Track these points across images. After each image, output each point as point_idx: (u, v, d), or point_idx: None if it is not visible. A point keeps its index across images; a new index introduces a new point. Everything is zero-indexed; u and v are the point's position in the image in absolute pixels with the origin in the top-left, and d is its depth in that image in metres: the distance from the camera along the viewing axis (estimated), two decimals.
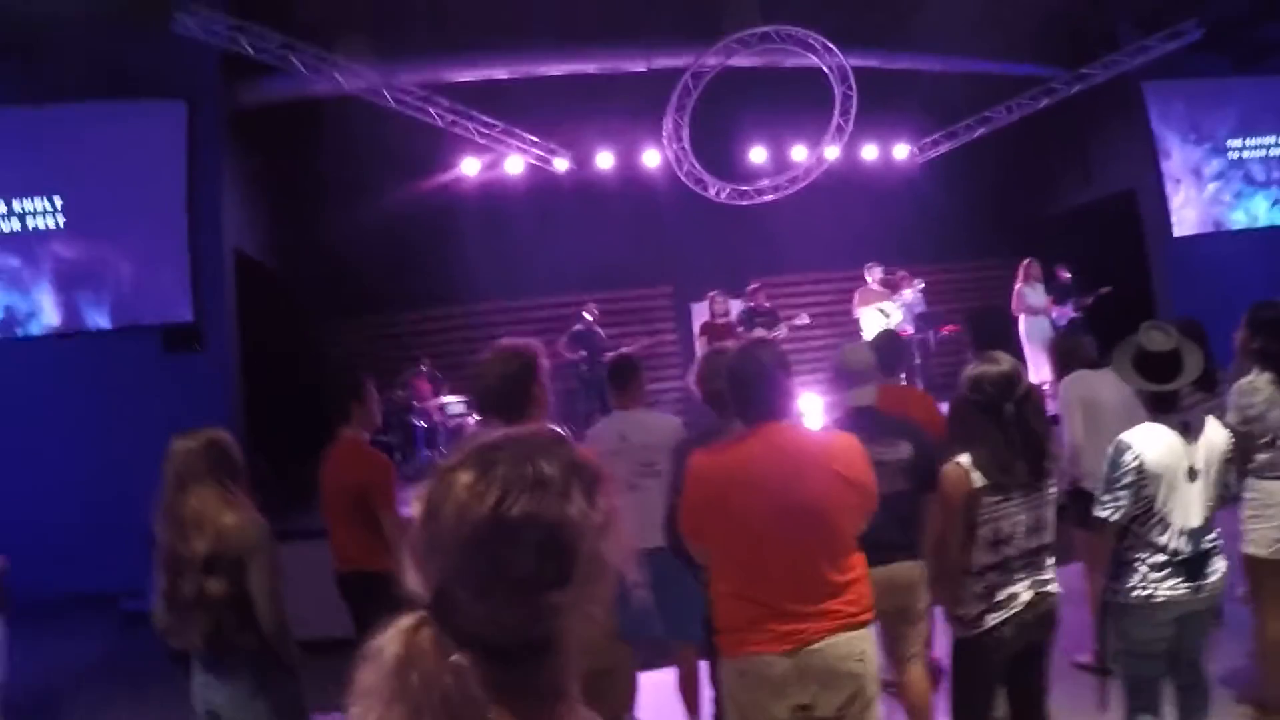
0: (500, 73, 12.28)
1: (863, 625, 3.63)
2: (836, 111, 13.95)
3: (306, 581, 5.59)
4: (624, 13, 12.43)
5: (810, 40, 12.54)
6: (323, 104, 12.04)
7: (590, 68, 12.69)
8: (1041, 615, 4.02)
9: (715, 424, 4.50)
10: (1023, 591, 3.96)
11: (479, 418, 5.42)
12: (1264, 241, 16.34)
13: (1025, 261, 13.65)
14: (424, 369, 12.87)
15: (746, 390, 3.71)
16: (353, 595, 5.50)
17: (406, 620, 1.30)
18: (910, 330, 13.32)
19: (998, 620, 3.93)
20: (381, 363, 12.88)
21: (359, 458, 5.46)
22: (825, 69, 13.28)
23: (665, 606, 5.02)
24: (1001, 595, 3.94)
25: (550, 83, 12.75)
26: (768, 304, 13.23)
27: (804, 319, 13.26)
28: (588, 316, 13.22)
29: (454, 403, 12.43)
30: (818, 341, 14.19)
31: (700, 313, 13.36)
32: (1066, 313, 13.63)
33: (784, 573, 3.55)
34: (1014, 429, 3.87)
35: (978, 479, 3.86)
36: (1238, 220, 16.13)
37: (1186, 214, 15.73)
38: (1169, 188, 15.67)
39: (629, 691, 5.23)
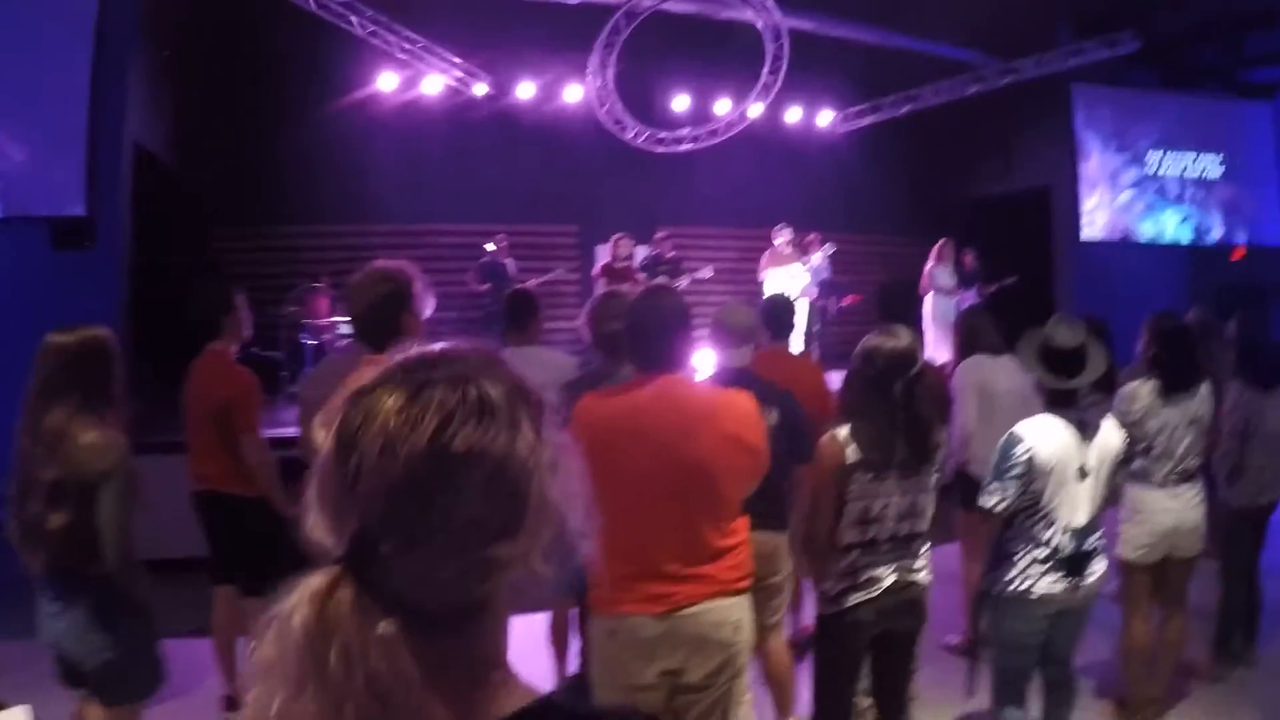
0: None
1: (739, 593, 3.53)
2: (766, 69, 13.98)
3: (170, 497, 5.43)
4: None
5: None
6: (243, 2, 11.64)
7: None
8: (904, 603, 3.98)
9: (604, 368, 4.47)
10: (886, 576, 3.91)
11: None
12: (1168, 256, 16.95)
13: (940, 242, 13.97)
14: (322, 286, 12.55)
15: (645, 337, 3.57)
16: (206, 516, 5.41)
17: (317, 580, 1.09)
18: (814, 296, 13.40)
19: (857, 601, 3.90)
20: (280, 277, 12.78)
21: (222, 373, 5.30)
22: (760, 25, 13.18)
23: None
24: (864, 576, 3.90)
25: (479, 3, 12.57)
26: (672, 253, 13.17)
27: (707, 272, 13.36)
28: (491, 248, 13.13)
29: (346, 323, 12.16)
30: (717, 297, 14.14)
31: (603, 254, 13.19)
32: (969, 298, 13.91)
33: (664, 532, 3.43)
34: (900, 408, 3.83)
35: (853, 453, 3.80)
36: (1145, 231, 16.59)
37: (1097, 218, 16.15)
38: (1083, 190, 16.08)
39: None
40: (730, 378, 4.44)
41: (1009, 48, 15.17)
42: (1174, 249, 17.13)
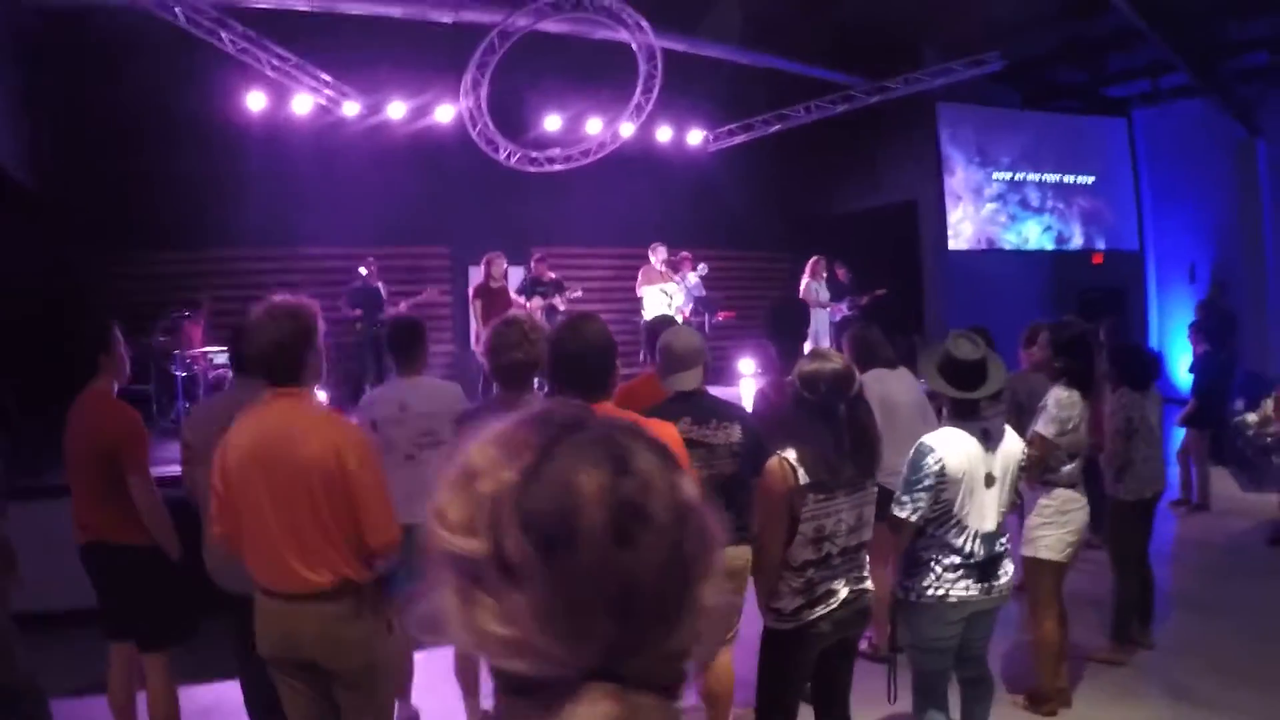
0: (300, 4, 11.80)
1: None
2: (639, 90, 14.21)
3: (50, 546, 5.27)
4: None
5: (624, 15, 12.62)
6: (109, 16, 11.35)
7: (395, 12, 12.41)
8: (857, 612, 4.10)
9: (502, 397, 4.36)
10: (841, 589, 4.01)
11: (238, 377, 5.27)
12: (1031, 263, 17.94)
13: (814, 259, 14.52)
14: (191, 314, 12.11)
15: (574, 366, 3.70)
16: (96, 569, 5.05)
17: (594, 708, 0.97)
18: (688, 313, 13.57)
19: (817, 615, 3.98)
20: (143, 306, 12.32)
21: (106, 414, 4.97)
22: (634, 46, 13.36)
23: None
24: (820, 590, 3.98)
25: (350, 22, 12.43)
26: (552, 274, 13.19)
27: (577, 292, 13.44)
28: (363, 271, 13.08)
29: (219, 353, 11.83)
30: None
31: (476, 275, 13.14)
32: (840, 310, 14.36)
33: None
34: (845, 429, 3.90)
35: (803, 476, 3.86)
36: (1010, 240, 17.32)
37: (963, 229, 16.84)
38: (949, 203, 16.81)
39: (408, 676, 5.17)
40: (684, 400, 4.55)
41: (876, 67, 15.67)
42: (1037, 256, 18.13)
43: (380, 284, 13.14)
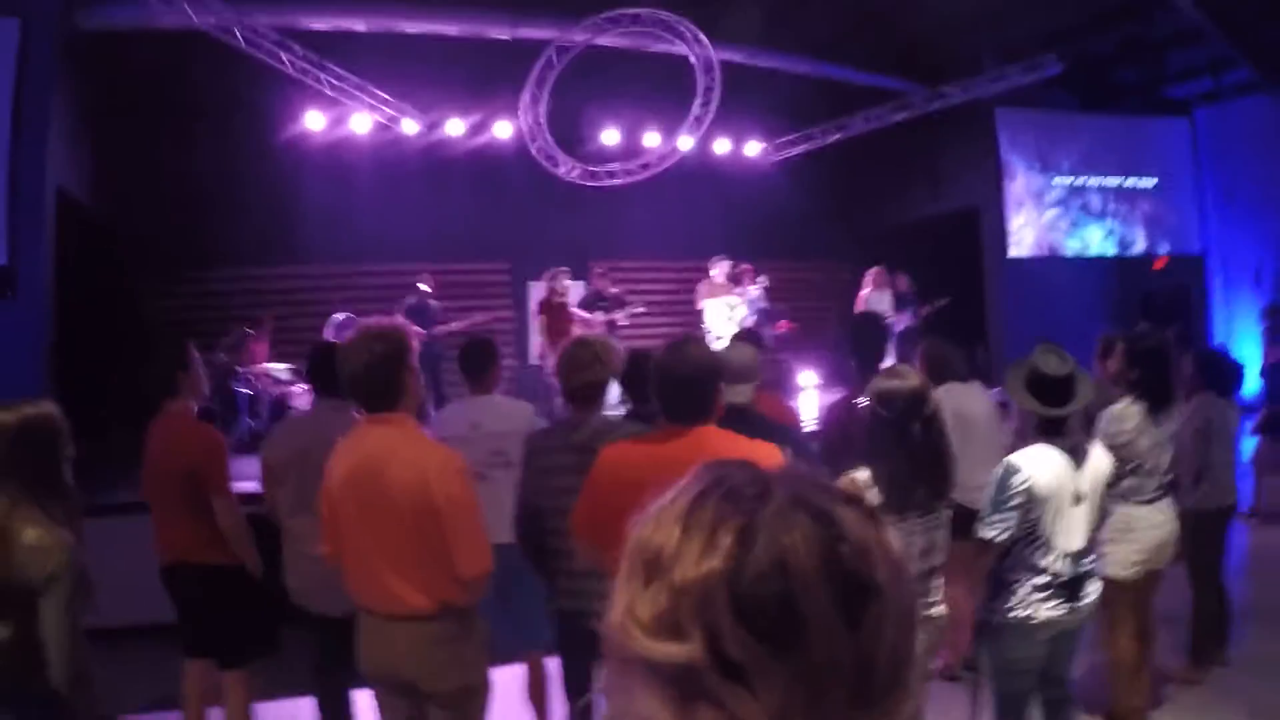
0: (358, 24, 12.04)
1: None
2: (697, 102, 14.27)
3: (123, 561, 5.33)
4: None
5: (681, 28, 12.64)
6: (169, 38, 11.46)
7: (452, 30, 12.57)
8: (929, 637, 4.05)
9: (574, 418, 4.42)
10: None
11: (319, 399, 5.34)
12: (1094, 269, 17.72)
13: (875, 269, 14.49)
14: (255, 331, 12.30)
15: (676, 388, 3.63)
16: (178, 589, 5.12)
17: None
18: (752, 326, 13.54)
19: None
20: (208, 322, 12.59)
21: (188, 435, 5.05)
22: (692, 58, 13.42)
23: (511, 607, 4.98)
24: None
25: (408, 40, 12.60)
26: (614, 289, 13.22)
27: (639, 308, 13.44)
28: (424, 288, 13.05)
29: (281, 370, 12.00)
30: (654, 330, 14.29)
31: (538, 292, 13.20)
32: (904, 320, 14.18)
33: None
34: (920, 449, 3.90)
35: (873, 496, 3.81)
36: (1072, 247, 17.24)
37: (1024, 236, 16.70)
38: (1010, 210, 16.65)
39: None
40: (732, 416, 4.46)
41: (934, 74, 15.70)
42: (1099, 262, 17.91)
43: (434, 301, 13.12)
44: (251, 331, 12.25)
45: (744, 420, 4.31)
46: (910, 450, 3.87)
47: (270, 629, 5.17)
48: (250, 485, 7.28)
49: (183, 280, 13.70)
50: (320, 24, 11.83)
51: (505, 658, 5.33)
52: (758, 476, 0.99)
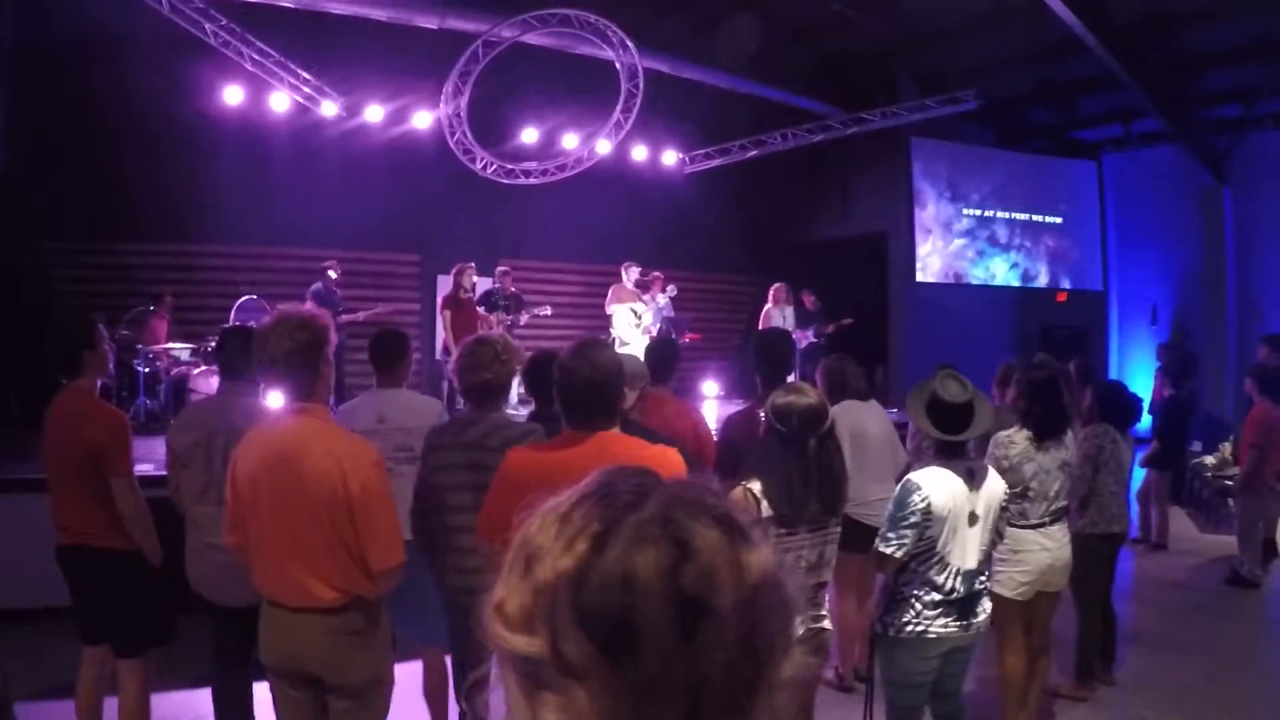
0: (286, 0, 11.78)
1: None
2: (619, 108, 14.35)
3: (22, 542, 5.17)
4: None
5: (609, 32, 12.67)
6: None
7: (380, 14, 12.40)
8: (812, 649, 4.05)
9: (470, 414, 4.39)
10: (798, 626, 4.02)
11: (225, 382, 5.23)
12: (997, 299, 18.30)
13: (776, 285, 14.70)
14: (160, 308, 12.14)
15: (580, 393, 3.58)
16: (74, 572, 4.92)
17: None
18: (655, 332, 13.63)
19: None
20: (104, 297, 12.23)
21: (90, 414, 4.82)
22: (617, 63, 13.47)
23: (410, 603, 4.90)
24: None
25: (334, 21, 12.41)
26: (513, 288, 13.20)
27: (545, 310, 13.34)
28: (332, 275, 12.86)
29: (182, 349, 11.80)
30: (560, 332, 14.30)
31: (445, 285, 13.10)
32: (807, 337, 14.40)
33: None
34: (814, 465, 3.92)
35: (766, 509, 3.87)
36: (977, 276, 17.66)
37: (931, 262, 17.17)
38: (919, 236, 17.15)
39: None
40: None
41: (853, 98, 15.96)
42: (1003, 292, 18.48)
43: (338, 289, 12.94)
44: (153, 308, 12.06)
45: (626, 431, 4.20)
46: (804, 465, 3.90)
47: (168, 618, 5.01)
48: (148, 467, 7.16)
49: (89, 251, 13.21)
50: None
51: (404, 654, 5.28)
52: (640, 486, 1.01)
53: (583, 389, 3.57)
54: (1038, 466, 5.49)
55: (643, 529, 0.94)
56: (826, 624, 4.19)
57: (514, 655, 0.96)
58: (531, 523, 1.02)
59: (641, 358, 5.08)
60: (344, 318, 12.23)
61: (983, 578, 4.43)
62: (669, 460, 3.59)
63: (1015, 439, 5.54)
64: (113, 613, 4.86)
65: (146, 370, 11.51)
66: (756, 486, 3.92)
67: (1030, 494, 5.50)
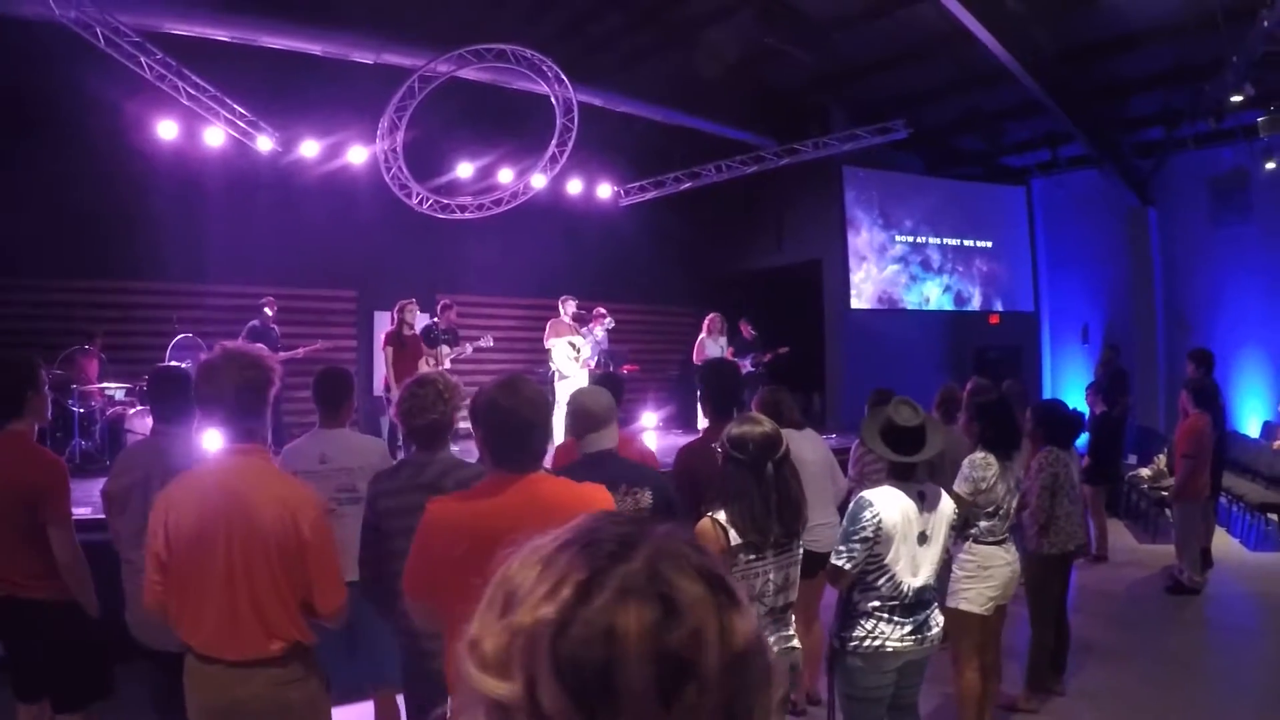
0: (221, 33, 11.78)
1: None
2: (554, 142, 14.53)
3: None
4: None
5: (544, 67, 12.87)
6: (18, 29, 10.93)
7: (316, 49, 12.49)
8: (785, 670, 4.21)
9: (417, 457, 4.40)
10: (770, 647, 4.13)
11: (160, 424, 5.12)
12: (931, 323, 18.66)
13: (710, 316, 14.95)
14: (92, 347, 11.95)
15: (506, 436, 3.36)
16: (8, 628, 4.71)
17: None
18: (593, 367, 13.73)
19: None
20: (42, 334, 12.07)
21: (27, 459, 4.65)
22: (552, 98, 13.67)
23: (360, 646, 4.98)
24: None
25: (269, 56, 12.45)
26: (451, 321, 13.14)
27: (488, 341, 13.36)
28: (268, 312, 12.83)
29: (116, 389, 11.71)
30: (496, 365, 14.38)
31: (384, 321, 13.11)
32: (744, 366, 14.54)
33: None
34: (773, 489, 4.04)
35: (734, 537, 3.97)
36: (911, 301, 18.01)
37: (865, 289, 17.60)
38: (853, 263, 17.53)
39: None
40: (597, 461, 4.41)
41: (786, 130, 16.36)
42: (936, 315, 18.93)
43: (275, 325, 12.89)
44: (87, 347, 11.90)
45: (605, 468, 4.24)
46: (765, 491, 4.02)
47: (106, 670, 4.88)
48: (85, 511, 7.06)
49: (19, 288, 12.93)
50: (183, 29, 11.52)
51: (354, 696, 5.39)
52: (628, 535, 0.99)
53: (516, 430, 3.36)
54: (1006, 487, 5.76)
55: (629, 581, 0.93)
56: (795, 643, 4.29)
57: (485, 697, 0.93)
58: (515, 559, 1.01)
59: (589, 392, 5.04)
60: (282, 355, 12.21)
61: (933, 594, 4.62)
62: (599, 500, 3.47)
63: (990, 461, 5.76)
64: (50, 668, 4.70)
65: (81, 410, 11.35)
66: (722, 516, 4.03)
67: (1000, 513, 5.74)
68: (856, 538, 4.41)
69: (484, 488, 3.38)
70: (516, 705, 0.90)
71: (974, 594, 5.69)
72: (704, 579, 0.95)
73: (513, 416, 3.31)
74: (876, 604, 4.44)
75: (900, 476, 4.60)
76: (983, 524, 5.73)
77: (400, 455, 10.71)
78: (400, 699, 4.94)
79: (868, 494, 4.54)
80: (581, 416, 4.52)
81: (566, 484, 3.44)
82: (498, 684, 0.92)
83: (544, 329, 14.14)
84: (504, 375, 3.51)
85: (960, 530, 5.58)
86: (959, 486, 5.69)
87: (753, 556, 4.03)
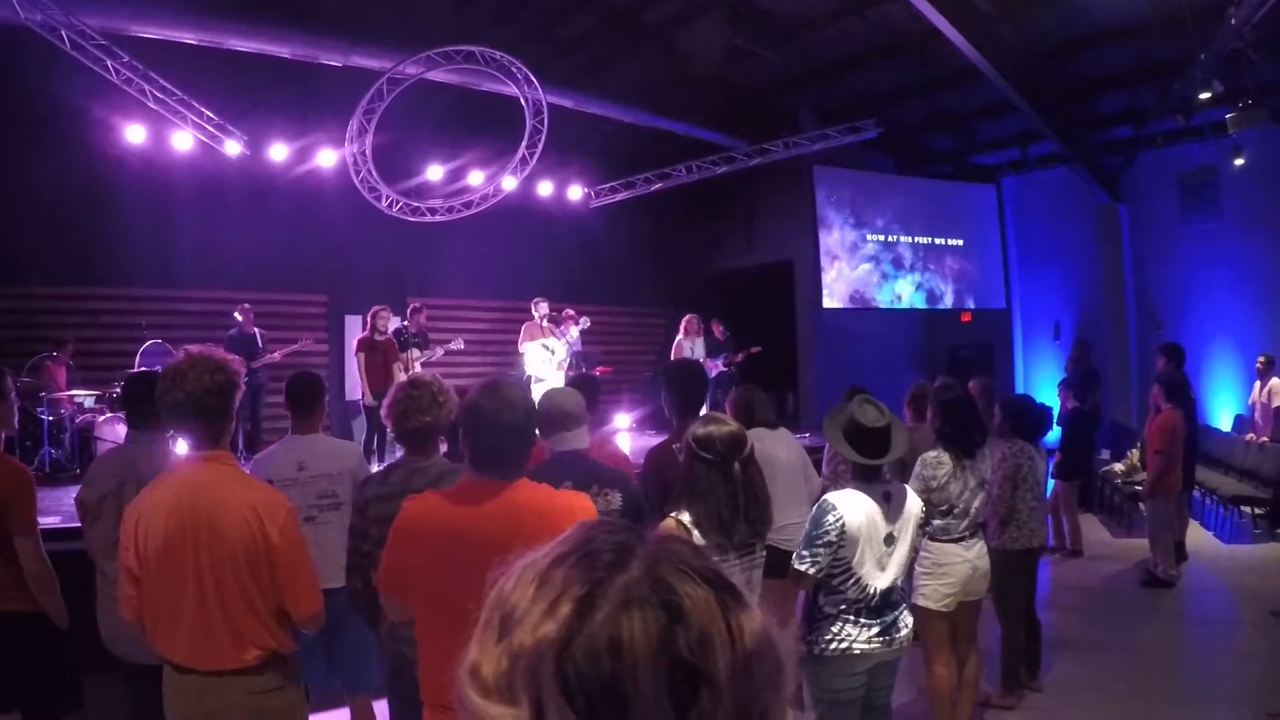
0: (188, 36, 11.67)
1: None
2: (524, 144, 14.51)
3: None
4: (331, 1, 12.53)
5: (514, 69, 12.86)
6: None
7: (284, 52, 12.40)
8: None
9: (409, 460, 4.34)
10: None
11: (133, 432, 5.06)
12: (903, 321, 18.77)
13: (688, 317, 15.02)
14: (61, 354, 11.87)
15: (487, 441, 3.28)
16: None
17: None
18: (567, 368, 13.75)
19: None
20: (4, 342, 11.88)
21: None
22: (522, 100, 13.68)
23: (338, 651, 5.00)
24: None
25: (237, 59, 12.37)
26: (421, 324, 13.17)
27: (459, 344, 13.33)
28: (239, 318, 12.80)
29: (86, 396, 11.61)
30: (467, 369, 14.39)
31: (355, 325, 13.04)
32: (716, 366, 14.67)
33: None
34: (740, 490, 4.00)
35: (698, 538, 3.87)
36: (883, 299, 18.08)
37: (837, 288, 17.65)
38: (824, 262, 17.54)
39: None
40: (567, 461, 4.37)
41: (756, 130, 16.41)
42: (909, 314, 19.10)
43: (256, 330, 12.89)
44: (55, 354, 11.79)
45: (575, 468, 4.24)
46: (731, 490, 3.98)
47: (76, 681, 4.81)
48: (55, 520, 6.97)
49: None
50: (150, 31, 11.40)
51: (332, 702, 5.40)
52: (623, 544, 0.97)
53: (502, 435, 3.28)
54: (962, 485, 5.76)
55: (631, 591, 0.91)
56: None
57: None
58: (509, 579, 0.98)
59: (560, 392, 5.01)
60: (261, 360, 12.30)
61: (902, 594, 4.62)
62: (579, 507, 3.40)
63: (942, 459, 5.79)
64: (19, 680, 4.60)
65: (50, 418, 11.26)
66: (686, 516, 3.98)
67: (955, 511, 5.76)
68: (820, 542, 4.37)
69: (462, 490, 3.33)
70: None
71: (930, 590, 5.73)
72: (706, 581, 0.94)
73: (499, 420, 3.23)
74: (843, 607, 4.42)
75: (865, 478, 4.57)
76: (936, 522, 5.75)
77: (375, 460, 10.80)
78: (376, 705, 4.96)
79: (831, 496, 4.51)
80: (553, 416, 4.44)
81: (546, 490, 3.39)
82: (503, 710, 0.90)
83: (516, 331, 14.17)
84: (488, 378, 3.46)
85: (920, 528, 5.60)
86: (911, 484, 5.59)
87: (717, 558, 3.98)
